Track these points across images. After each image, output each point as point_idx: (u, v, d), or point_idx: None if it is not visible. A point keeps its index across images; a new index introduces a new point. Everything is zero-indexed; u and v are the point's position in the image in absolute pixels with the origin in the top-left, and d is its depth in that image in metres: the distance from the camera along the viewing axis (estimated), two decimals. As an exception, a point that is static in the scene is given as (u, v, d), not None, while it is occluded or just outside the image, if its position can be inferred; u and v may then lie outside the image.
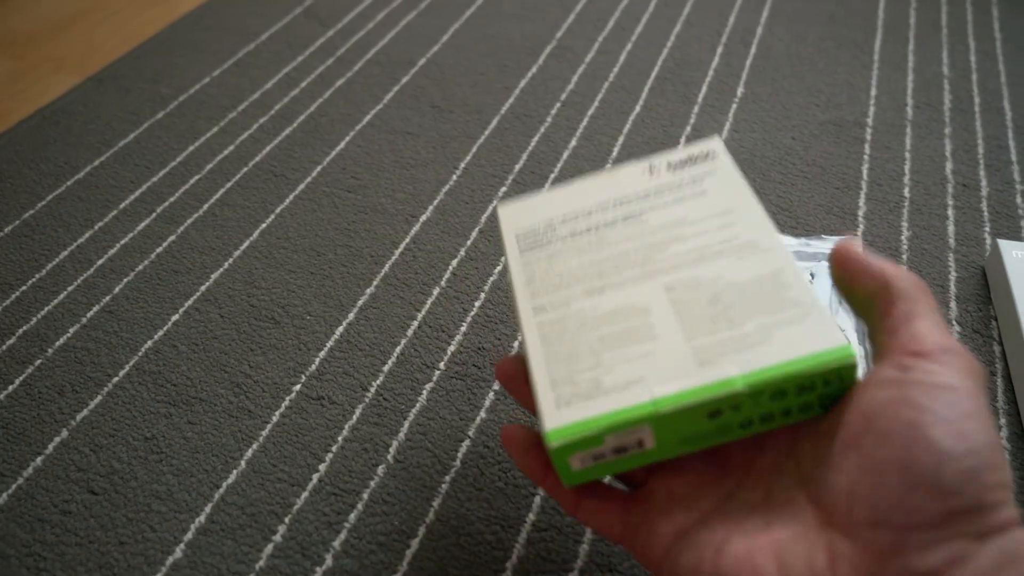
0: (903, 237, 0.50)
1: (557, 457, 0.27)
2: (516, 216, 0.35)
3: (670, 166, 0.35)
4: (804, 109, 0.62)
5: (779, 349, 0.26)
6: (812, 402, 0.27)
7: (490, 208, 0.53)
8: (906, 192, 0.54)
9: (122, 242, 0.50)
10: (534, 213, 0.35)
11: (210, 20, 0.74)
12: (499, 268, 0.49)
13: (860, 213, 0.52)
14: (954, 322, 0.45)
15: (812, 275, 0.46)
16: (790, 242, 0.49)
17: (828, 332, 0.26)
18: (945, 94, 0.64)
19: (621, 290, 0.30)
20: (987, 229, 0.51)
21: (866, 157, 0.57)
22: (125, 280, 0.48)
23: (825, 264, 0.47)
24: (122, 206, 0.53)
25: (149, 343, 0.44)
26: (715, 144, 0.35)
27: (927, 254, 0.49)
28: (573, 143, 0.59)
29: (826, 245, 0.49)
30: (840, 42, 0.71)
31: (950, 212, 0.52)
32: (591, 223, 0.34)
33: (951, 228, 0.51)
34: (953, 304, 0.46)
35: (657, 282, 0.30)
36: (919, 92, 0.64)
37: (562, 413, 0.27)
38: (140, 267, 0.48)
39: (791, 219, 0.52)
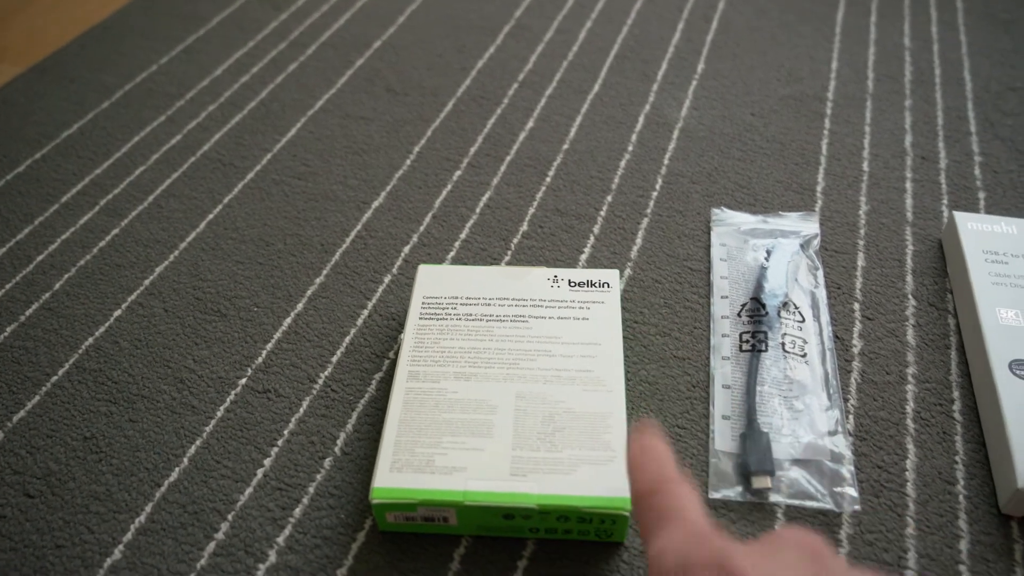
0: (861, 212, 0.50)
1: (376, 510, 0.32)
2: (432, 280, 0.41)
3: (570, 284, 0.41)
4: (765, 84, 0.62)
5: (575, 482, 0.32)
6: (590, 531, 0.33)
7: (445, 192, 0.52)
8: (865, 166, 0.54)
9: (63, 237, 0.49)
10: (446, 284, 0.41)
11: (159, 6, 0.72)
12: (452, 254, 0.48)
13: (819, 188, 0.52)
14: (910, 296, 0.44)
15: (768, 251, 0.46)
16: (748, 219, 0.49)
17: (618, 483, 0.32)
18: (906, 66, 0.63)
19: (484, 383, 0.36)
20: (945, 202, 0.50)
21: (826, 132, 0.57)
22: (66, 276, 0.46)
23: (783, 240, 0.47)
24: (64, 200, 0.51)
25: (90, 340, 0.43)
26: (614, 277, 0.41)
27: (885, 228, 0.49)
28: (530, 124, 0.58)
29: (783, 222, 0.49)
30: (802, 15, 0.70)
31: (908, 185, 0.52)
32: (486, 312, 0.39)
33: (909, 201, 0.51)
34: (910, 278, 0.45)
35: (513, 387, 0.36)
36: (880, 64, 0.63)
37: (391, 477, 0.32)
38: (82, 262, 0.47)
39: (749, 196, 0.51)
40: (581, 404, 0.35)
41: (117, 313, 0.44)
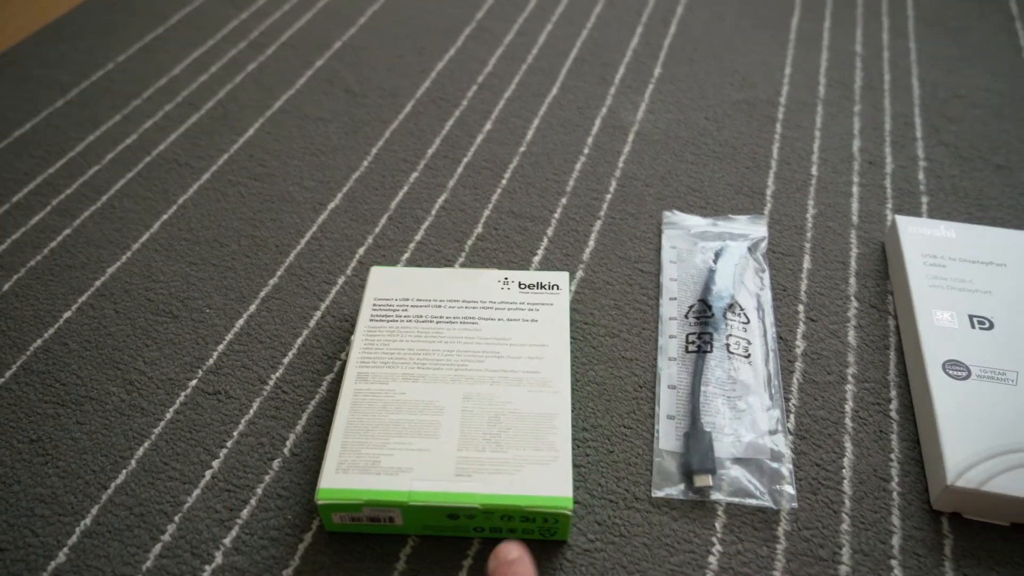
0: (808, 215, 0.51)
1: (322, 510, 0.33)
2: (383, 281, 0.41)
3: (520, 286, 0.41)
4: (719, 88, 0.63)
5: (519, 482, 0.33)
6: (533, 530, 0.34)
7: (401, 194, 0.52)
8: (814, 170, 0.55)
9: (13, 237, 0.48)
10: (398, 285, 0.41)
11: (118, 2, 0.71)
12: (407, 256, 0.48)
13: (768, 192, 0.53)
14: (853, 297, 0.46)
15: (717, 254, 0.47)
16: (698, 222, 0.50)
17: (561, 482, 0.33)
18: (857, 72, 0.65)
19: (432, 385, 0.36)
20: (889, 206, 0.52)
21: (777, 136, 0.58)
22: (15, 277, 0.46)
23: (731, 243, 0.48)
24: (14, 200, 0.51)
25: (38, 342, 0.42)
26: (563, 279, 0.42)
27: (831, 231, 0.50)
28: (488, 126, 0.58)
29: (733, 225, 0.50)
30: (758, 20, 0.71)
31: (855, 189, 0.53)
32: (436, 314, 0.40)
33: (855, 205, 0.52)
34: (853, 280, 0.47)
35: (461, 388, 0.36)
36: (832, 70, 0.65)
37: (337, 478, 0.33)
38: (32, 263, 0.47)
39: (701, 199, 0.52)
40: (527, 405, 0.36)
41: (67, 315, 0.44)
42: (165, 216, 0.50)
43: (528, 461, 0.34)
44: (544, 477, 0.33)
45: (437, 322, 0.39)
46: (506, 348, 0.38)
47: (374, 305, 0.40)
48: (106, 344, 0.42)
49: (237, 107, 0.59)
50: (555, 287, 0.41)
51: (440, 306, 0.40)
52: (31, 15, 0.70)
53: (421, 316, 0.40)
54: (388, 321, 0.39)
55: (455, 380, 0.37)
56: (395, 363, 0.37)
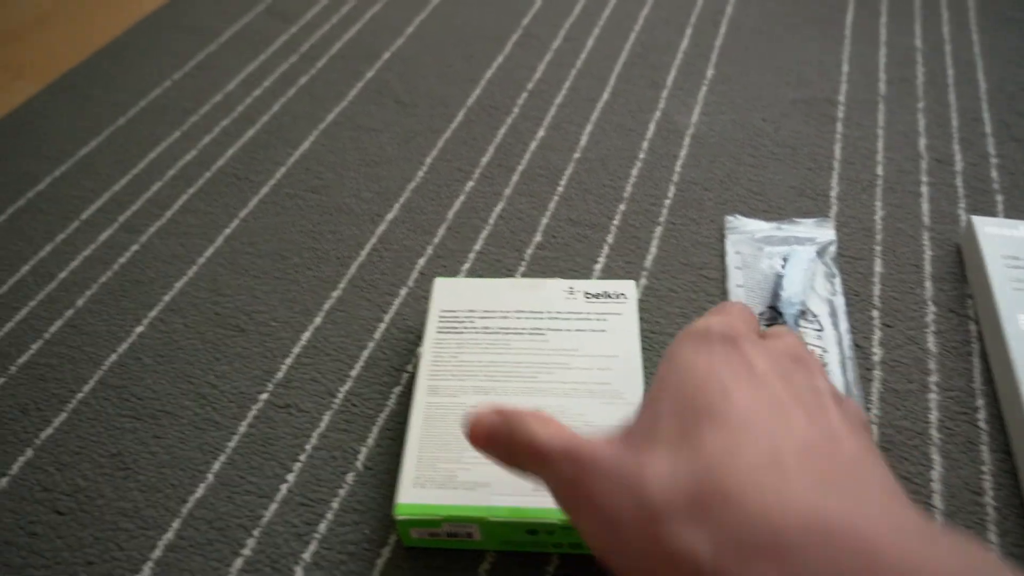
0: (877, 217, 0.50)
1: (401, 526, 0.32)
2: (448, 292, 0.41)
3: (587, 295, 0.41)
4: (774, 88, 0.62)
5: None
6: None
7: (458, 203, 0.52)
8: (879, 170, 0.54)
9: (84, 254, 0.49)
10: (462, 296, 0.41)
11: (170, 21, 0.73)
12: (467, 266, 0.48)
13: (832, 194, 0.52)
14: (930, 302, 0.44)
15: (784, 260, 0.46)
16: (762, 227, 0.49)
17: None
18: (918, 68, 0.63)
19: (503, 397, 0.36)
20: (962, 205, 0.50)
21: (838, 136, 0.57)
22: (88, 293, 0.47)
23: (798, 248, 0.47)
24: (84, 217, 0.52)
25: (113, 356, 0.43)
26: (630, 288, 0.41)
27: (902, 233, 0.49)
28: (541, 133, 0.58)
29: (798, 228, 0.49)
30: (811, 17, 0.70)
31: (924, 189, 0.52)
32: (504, 326, 0.39)
33: (925, 206, 0.51)
34: (928, 284, 0.45)
35: (533, 400, 0.36)
36: (891, 67, 0.63)
37: (415, 492, 0.33)
38: (103, 279, 0.47)
39: (763, 202, 0.51)
40: (600, 417, 0.35)
41: (139, 329, 0.44)
42: (228, 230, 0.51)
43: None
44: None
45: (505, 334, 0.39)
46: (576, 359, 0.38)
47: (440, 317, 0.40)
48: (178, 358, 0.43)
49: (291, 120, 0.60)
50: (622, 296, 0.41)
51: (506, 317, 0.40)
52: (88, 37, 0.72)
53: (488, 328, 0.39)
54: (455, 333, 0.39)
55: (526, 392, 0.36)
56: (465, 376, 0.37)
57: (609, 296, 0.41)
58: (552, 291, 0.41)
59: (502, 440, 0.26)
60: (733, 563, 0.19)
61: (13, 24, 0.74)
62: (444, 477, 0.33)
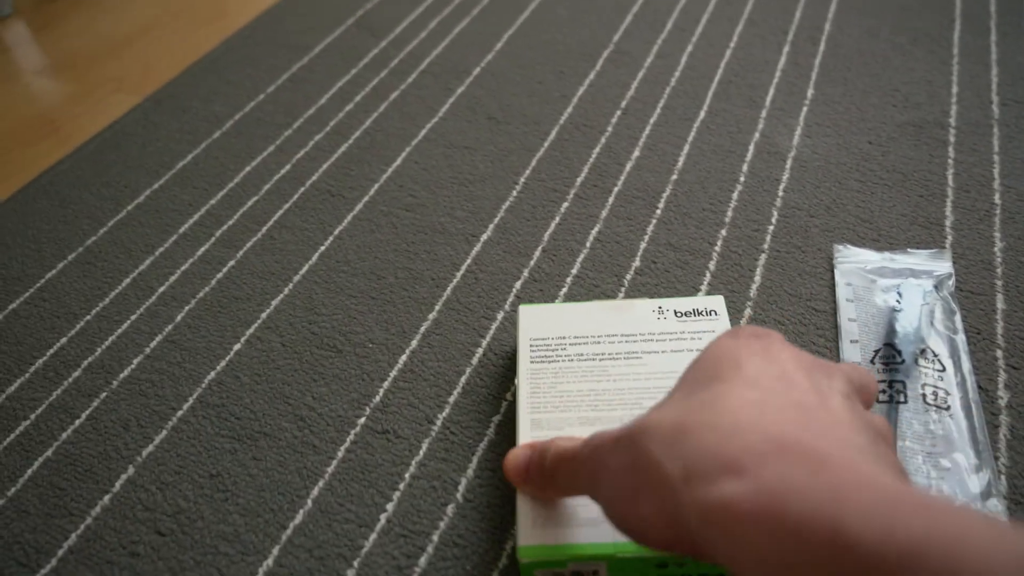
0: (996, 249, 0.47)
1: (524, 569, 0.31)
2: (534, 320, 0.40)
3: (677, 314, 0.40)
4: (880, 110, 0.59)
5: None
6: None
7: (553, 225, 0.51)
8: (997, 199, 0.51)
9: (183, 268, 0.50)
10: (550, 323, 0.40)
11: (263, 35, 0.74)
12: (565, 290, 0.47)
13: (947, 223, 0.49)
14: (1059, 343, 0.41)
15: (900, 293, 0.43)
16: (873, 257, 0.47)
17: None
18: (1034, 89, 0.60)
19: (609, 426, 0.33)
20: (1090, 239, 0.47)
21: (951, 161, 0.54)
22: (187, 308, 0.47)
23: (912, 280, 0.44)
24: (182, 230, 0.53)
25: (212, 374, 0.43)
26: (719, 303, 0.40)
27: (1023, 267, 0.46)
28: (636, 153, 0.56)
29: (912, 259, 0.46)
30: (915, 35, 0.67)
31: (1047, 220, 0.49)
32: (597, 351, 0.38)
33: (1049, 238, 0.48)
34: (1057, 323, 0.42)
35: None
36: (1005, 87, 0.60)
37: (535, 533, 0.31)
38: (201, 294, 0.48)
39: (872, 231, 0.49)
40: None
41: (236, 347, 0.45)
42: (323, 248, 0.51)
43: None
44: None
45: (600, 359, 0.38)
46: (675, 382, 0.36)
47: (531, 346, 0.39)
48: (275, 378, 0.43)
49: (384, 136, 0.60)
50: (713, 313, 0.40)
51: (599, 342, 0.39)
52: (184, 51, 0.73)
53: (582, 354, 0.38)
54: (549, 362, 0.38)
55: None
56: (567, 407, 0.36)
57: (700, 314, 0.40)
58: (641, 312, 0.40)
59: (536, 465, 0.30)
60: (697, 484, 0.21)
61: (114, 38, 0.76)
62: (563, 515, 0.32)
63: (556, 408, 0.36)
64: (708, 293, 0.46)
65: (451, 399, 0.41)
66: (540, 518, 0.32)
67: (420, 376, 0.42)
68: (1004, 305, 0.44)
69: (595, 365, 0.38)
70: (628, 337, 0.39)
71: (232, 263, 0.50)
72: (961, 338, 0.42)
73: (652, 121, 0.60)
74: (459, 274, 0.48)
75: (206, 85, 0.67)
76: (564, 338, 0.39)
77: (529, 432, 0.35)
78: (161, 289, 0.48)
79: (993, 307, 0.44)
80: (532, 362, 0.38)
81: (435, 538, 0.35)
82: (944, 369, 0.40)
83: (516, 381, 0.38)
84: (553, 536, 0.31)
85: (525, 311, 0.41)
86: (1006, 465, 0.36)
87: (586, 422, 0.35)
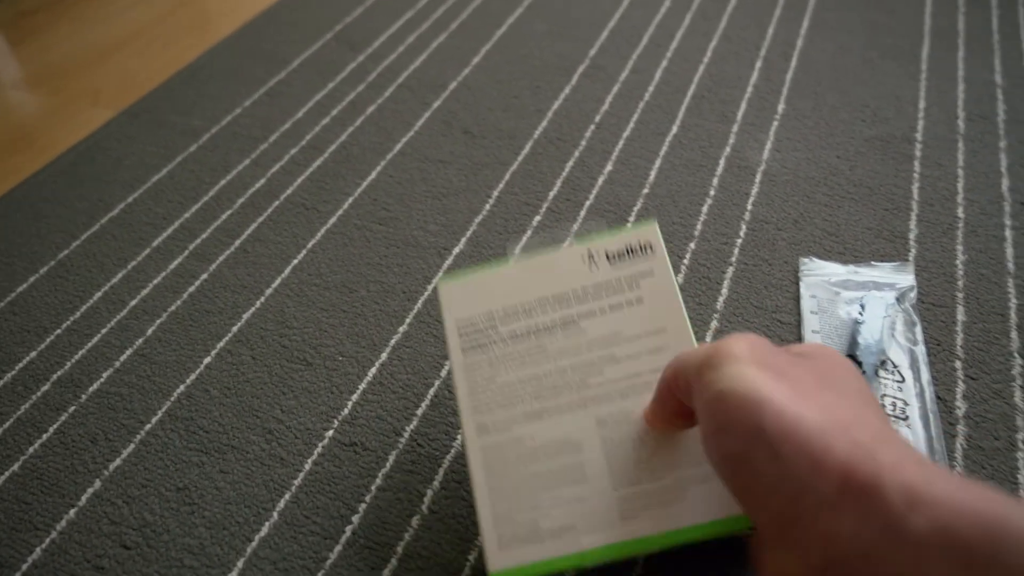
0: (958, 261, 0.48)
1: None
2: (457, 297, 0.36)
3: (609, 258, 0.36)
4: (849, 125, 0.60)
5: (690, 510, 0.31)
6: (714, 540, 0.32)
7: (525, 239, 0.51)
8: (960, 212, 0.52)
9: (155, 281, 0.50)
10: (474, 298, 0.36)
11: (242, 47, 0.74)
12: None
13: (911, 236, 0.50)
14: (1016, 354, 0.42)
15: (863, 306, 0.44)
16: (838, 270, 0.47)
17: (729, 498, 0.30)
18: (999, 104, 0.61)
19: (558, 418, 0.33)
20: (1050, 252, 0.48)
21: (916, 175, 0.55)
22: (158, 321, 0.47)
23: (876, 293, 0.45)
24: (155, 244, 0.53)
25: (181, 387, 0.43)
26: (653, 233, 0.36)
27: (984, 279, 0.47)
28: (608, 167, 0.57)
29: (876, 272, 0.47)
30: (885, 51, 0.68)
31: (1008, 233, 0.50)
32: (531, 325, 0.35)
33: (1009, 251, 0.48)
34: (1014, 334, 0.43)
35: (590, 413, 0.33)
36: (971, 103, 0.61)
37: (504, 555, 0.31)
38: (173, 307, 0.48)
39: (838, 244, 0.50)
40: None
41: (207, 360, 0.45)
42: (295, 261, 0.51)
43: (690, 481, 0.31)
44: (712, 496, 0.31)
45: (536, 335, 0.35)
46: (621, 347, 0.34)
47: (460, 333, 0.35)
48: (245, 391, 0.43)
49: (359, 150, 0.60)
50: (648, 248, 0.35)
51: (531, 313, 0.35)
52: (163, 63, 0.74)
53: (515, 333, 0.35)
54: (482, 350, 0.35)
55: (580, 405, 0.33)
56: (509, 402, 0.34)
57: (634, 252, 0.35)
58: (569, 263, 0.36)
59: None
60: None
61: (93, 51, 0.77)
62: (527, 531, 0.31)
63: (499, 406, 0.34)
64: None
65: (419, 411, 0.41)
66: (505, 538, 0.31)
67: (389, 389, 0.43)
68: (964, 317, 0.45)
69: (531, 345, 0.35)
70: (560, 300, 0.35)
71: (205, 276, 0.50)
72: (921, 349, 0.42)
73: (625, 135, 0.60)
74: (430, 287, 0.48)
75: (184, 98, 0.67)
76: (492, 315, 0.35)
77: (476, 439, 0.33)
78: (132, 302, 0.49)
79: (954, 319, 0.44)
80: (464, 352, 0.35)
81: (400, 549, 0.36)
82: (903, 380, 0.40)
83: (453, 380, 0.35)
84: (520, 556, 0.31)
85: (446, 289, 0.36)
86: (962, 475, 0.37)
87: (533, 417, 0.33)
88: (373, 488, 0.38)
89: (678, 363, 0.29)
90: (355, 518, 0.37)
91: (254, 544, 0.36)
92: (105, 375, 0.44)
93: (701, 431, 0.27)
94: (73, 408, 0.43)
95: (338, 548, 0.36)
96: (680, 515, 0.31)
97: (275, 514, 0.37)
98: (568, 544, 0.31)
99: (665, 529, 0.31)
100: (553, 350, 0.34)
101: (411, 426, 0.41)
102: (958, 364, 0.42)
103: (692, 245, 0.50)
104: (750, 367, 0.26)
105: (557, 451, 0.33)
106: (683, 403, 0.29)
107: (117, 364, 0.45)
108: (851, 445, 0.23)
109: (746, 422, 0.24)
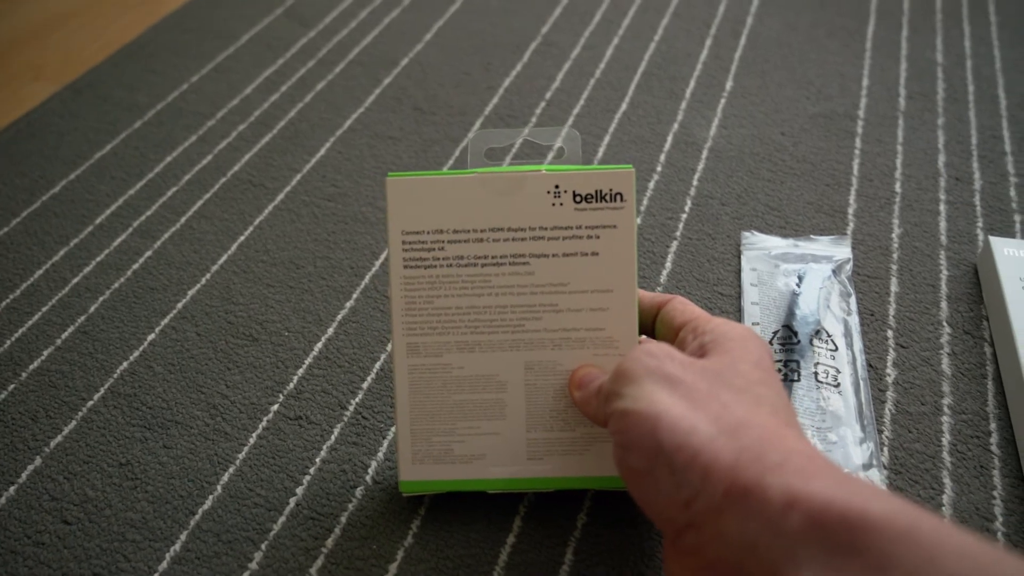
0: (894, 235, 0.49)
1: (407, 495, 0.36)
2: (407, 200, 0.33)
3: (576, 198, 0.33)
4: (794, 102, 0.61)
5: (589, 463, 0.34)
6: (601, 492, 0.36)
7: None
8: (897, 187, 0.53)
9: (98, 259, 0.49)
10: (425, 206, 0.33)
11: (190, 23, 0.73)
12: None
13: (850, 211, 0.51)
14: (945, 323, 0.44)
15: (800, 278, 0.45)
16: (778, 243, 0.48)
17: None
18: (939, 83, 0.62)
19: (489, 354, 0.34)
20: (980, 225, 0.50)
21: (857, 151, 0.56)
22: (101, 299, 0.47)
23: (814, 266, 0.46)
24: (98, 221, 0.52)
25: (124, 364, 0.43)
26: (626, 181, 0.33)
27: (918, 252, 0.48)
28: (557, 144, 0.57)
29: (815, 246, 0.48)
30: (832, 30, 0.69)
31: (942, 207, 0.51)
32: (480, 252, 0.33)
33: (943, 224, 0.50)
34: (944, 304, 0.45)
35: (521, 356, 0.34)
36: (912, 81, 0.63)
37: (415, 469, 0.35)
38: (116, 285, 0.48)
39: (780, 219, 0.51)
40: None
41: (151, 337, 0.45)
42: (242, 238, 0.51)
43: (596, 439, 0.34)
44: (609, 455, 0.31)
45: (483, 265, 0.33)
46: (565, 298, 0.33)
47: (404, 244, 0.33)
48: (189, 367, 0.43)
49: (308, 126, 0.60)
50: (618, 197, 0.33)
51: (482, 239, 0.33)
52: (108, 38, 0.72)
53: (462, 257, 0.33)
54: (425, 267, 0.33)
55: (513, 346, 0.34)
56: (445, 328, 0.33)
57: (603, 198, 0.33)
58: (533, 191, 0.33)
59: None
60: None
61: (33, 24, 0.75)
62: (440, 452, 0.34)
63: (433, 330, 0.33)
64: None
65: (364, 385, 0.42)
66: (419, 454, 0.34)
67: (335, 363, 0.43)
68: (897, 288, 0.46)
69: (476, 273, 0.33)
70: (516, 233, 0.33)
71: (149, 253, 0.50)
72: (855, 319, 0.44)
73: (575, 112, 0.61)
74: (378, 263, 0.49)
75: (129, 73, 0.66)
76: (442, 232, 0.33)
77: (406, 359, 0.33)
78: (75, 280, 0.48)
79: (887, 290, 0.46)
80: (406, 266, 0.33)
81: (343, 519, 0.36)
82: (836, 349, 0.42)
83: (389, 291, 0.34)
84: (430, 472, 0.35)
85: (394, 186, 0.33)
86: (889, 438, 0.39)
87: (465, 347, 0.34)
88: (318, 460, 0.38)
89: (585, 393, 0.32)
90: (299, 490, 0.37)
91: (197, 517, 0.36)
92: (46, 353, 0.44)
93: (613, 448, 0.29)
94: (13, 387, 0.42)
95: (282, 519, 0.36)
96: (580, 465, 0.34)
97: (219, 487, 0.37)
98: (476, 471, 0.35)
99: (564, 475, 0.35)
100: (497, 284, 0.33)
101: (356, 399, 0.41)
102: (890, 333, 0.44)
103: (638, 220, 0.51)
104: (647, 384, 0.28)
105: (483, 386, 0.34)
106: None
107: (58, 342, 0.44)
108: (738, 450, 0.24)
109: (647, 440, 0.26)
